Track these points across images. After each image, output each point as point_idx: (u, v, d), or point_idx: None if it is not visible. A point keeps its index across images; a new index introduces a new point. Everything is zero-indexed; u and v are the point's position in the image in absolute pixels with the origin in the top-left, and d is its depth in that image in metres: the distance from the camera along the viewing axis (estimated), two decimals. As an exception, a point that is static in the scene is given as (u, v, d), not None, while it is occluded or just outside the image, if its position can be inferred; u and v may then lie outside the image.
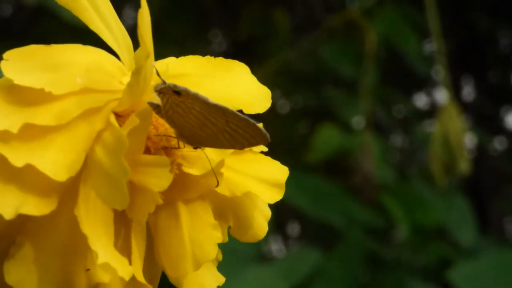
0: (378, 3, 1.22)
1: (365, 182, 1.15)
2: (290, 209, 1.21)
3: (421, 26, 1.28)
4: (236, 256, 0.91)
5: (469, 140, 1.44)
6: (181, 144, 0.28)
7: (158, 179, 0.27)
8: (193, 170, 0.29)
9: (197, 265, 0.29)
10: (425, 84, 1.61)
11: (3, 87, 0.26)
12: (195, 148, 0.29)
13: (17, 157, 0.25)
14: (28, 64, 0.26)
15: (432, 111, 1.55)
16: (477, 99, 1.68)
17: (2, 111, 0.25)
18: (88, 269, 0.27)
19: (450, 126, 1.13)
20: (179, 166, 0.29)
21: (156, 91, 0.27)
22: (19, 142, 0.25)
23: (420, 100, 1.66)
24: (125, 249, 0.28)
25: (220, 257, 0.32)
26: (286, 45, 1.29)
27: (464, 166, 1.11)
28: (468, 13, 1.58)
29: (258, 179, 0.30)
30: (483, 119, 1.62)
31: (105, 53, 0.28)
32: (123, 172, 0.25)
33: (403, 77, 1.49)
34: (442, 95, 1.49)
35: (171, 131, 0.28)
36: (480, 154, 1.59)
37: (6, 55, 0.26)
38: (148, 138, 0.28)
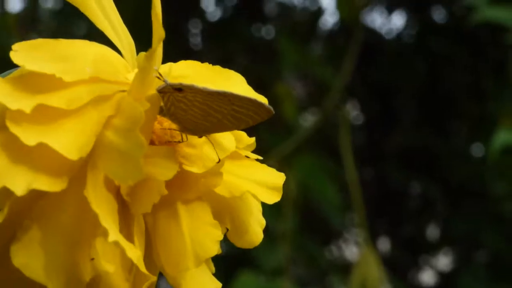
0: (296, 151, 1.26)
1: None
2: None
3: (338, 177, 1.33)
4: None
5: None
6: (184, 137, 0.29)
7: (164, 169, 0.27)
8: (193, 169, 0.29)
9: (198, 262, 0.29)
10: (341, 234, 1.64)
11: (14, 77, 0.27)
12: (200, 137, 0.29)
13: (29, 137, 0.25)
14: (37, 54, 0.27)
15: (348, 262, 1.58)
16: (393, 250, 1.71)
17: (14, 95, 0.26)
18: (93, 259, 0.27)
19: (368, 274, 1.15)
20: (180, 165, 0.29)
21: (157, 91, 0.28)
22: (31, 124, 0.26)
23: (337, 250, 1.68)
24: (127, 244, 0.28)
25: (213, 269, 0.32)
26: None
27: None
28: (382, 166, 1.65)
29: (255, 182, 0.31)
30: (398, 271, 1.64)
31: (110, 49, 0.29)
32: (140, 146, 0.25)
33: (320, 226, 1.51)
34: (357, 245, 1.52)
35: (174, 126, 0.29)
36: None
37: (15, 46, 0.27)
38: (153, 132, 0.29)
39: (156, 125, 0.29)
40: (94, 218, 0.26)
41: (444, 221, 1.69)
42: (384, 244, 1.75)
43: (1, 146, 0.25)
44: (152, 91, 0.28)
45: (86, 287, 0.27)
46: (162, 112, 0.29)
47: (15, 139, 0.25)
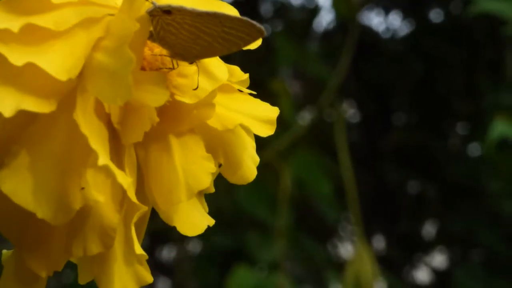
0: (292, 146, 1.26)
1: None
2: None
3: (334, 174, 1.33)
4: None
5: (380, 286, 1.46)
6: (175, 64, 0.28)
7: (155, 95, 0.27)
8: (185, 99, 0.29)
9: (191, 193, 0.28)
10: (336, 231, 1.64)
11: (2, 0, 0.26)
12: (191, 63, 0.29)
13: (18, 57, 0.25)
14: None
15: (343, 259, 1.57)
16: (388, 247, 1.71)
17: (1, 16, 0.25)
18: (83, 188, 0.26)
19: (362, 269, 1.15)
20: (171, 95, 0.28)
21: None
22: (19, 44, 0.25)
23: (332, 248, 1.68)
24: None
25: (212, 189, 0.31)
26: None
27: (375, 309, 1.12)
28: (378, 165, 1.65)
29: (249, 115, 0.30)
30: (393, 269, 1.64)
31: (100, -26, 0.28)
32: (128, 62, 0.24)
33: (316, 222, 1.51)
34: (352, 243, 1.52)
35: (165, 52, 0.29)
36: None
37: None
38: (143, 58, 0.28)
39: (147, 52, 0.28)
40: (85, 145, 0.25)
41: (440, 219, 1.69)
42: (379, 242, 1.74)
43: (-12, 68, 0.25)
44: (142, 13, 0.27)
45: (76, 216, 0.26)
46: (151, 36, 0.28)
47: (2, 59, 0.24)
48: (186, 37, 0.28)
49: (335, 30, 1.66)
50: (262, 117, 0.30)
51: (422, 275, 1.78)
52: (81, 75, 0.26)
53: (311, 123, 1.37)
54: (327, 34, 1.68)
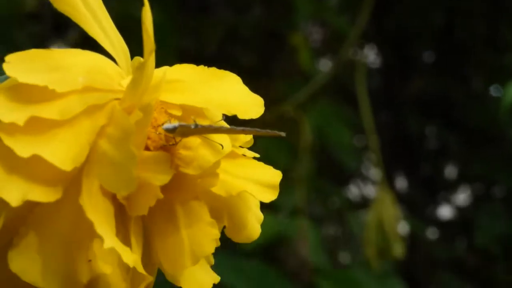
0: (311, 98, 1.26)
1: (301, 267, 1.17)
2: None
3: (354, 121, 1.33)
4: None
5: (403, 228, 1.48)
6: (177, 139, 0.30)
7: (159, 174, 0.28)
8: (189, 170, 0.30)
9: (195, 260, 0.30)
10: (357, 176, 1.66)
11: (6, 87, 0.27)
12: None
13: (23, 149, 0.26)
14: (30, 65, 0.27)
15: (365, 202, 1.60)
16: (410, 190, 1.73)
17: (7, 106, 0.26)
18: (90, 260, 0.27)
19: (384, 212, 1.16)
20: (176, 167, 0.30)
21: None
22: (25, 135, 0.26)
23: (353, 192, 1.70)
24: (125, 244, 0.29)
25: (213, 261, 0.32)
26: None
27: (398, 250, 1.14)
28: (399, 111, 1.65)
29: (252, 180, 0.31)
30: (416, 209, 1.66)
31: (104, 57, 0.29)
32: (131, 158, 0.26)
33: (336, 168, 1.53)
34: (373, 188, 1.53)
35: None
36: (413, 242, 1.63)
37: (8, 58, 0.27)
38: (148, 138, 0.29)
39: (151, 130, 0.29)
40: (90, 224, 0.26)
41: (461, 163, 1.70)
42: (402, 183, 1.76)
43: (-4, 158, 0.26)
44: (145, 99, 0.28)
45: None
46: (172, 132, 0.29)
47: (9, 151, 0.26)
48: (204, 133, 0.29)
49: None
50: (265, 182, 0.31)
51: (445, 211, 1.81)
52: (87, 159, 0.27)
53: (332, 72, 1.37)
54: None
